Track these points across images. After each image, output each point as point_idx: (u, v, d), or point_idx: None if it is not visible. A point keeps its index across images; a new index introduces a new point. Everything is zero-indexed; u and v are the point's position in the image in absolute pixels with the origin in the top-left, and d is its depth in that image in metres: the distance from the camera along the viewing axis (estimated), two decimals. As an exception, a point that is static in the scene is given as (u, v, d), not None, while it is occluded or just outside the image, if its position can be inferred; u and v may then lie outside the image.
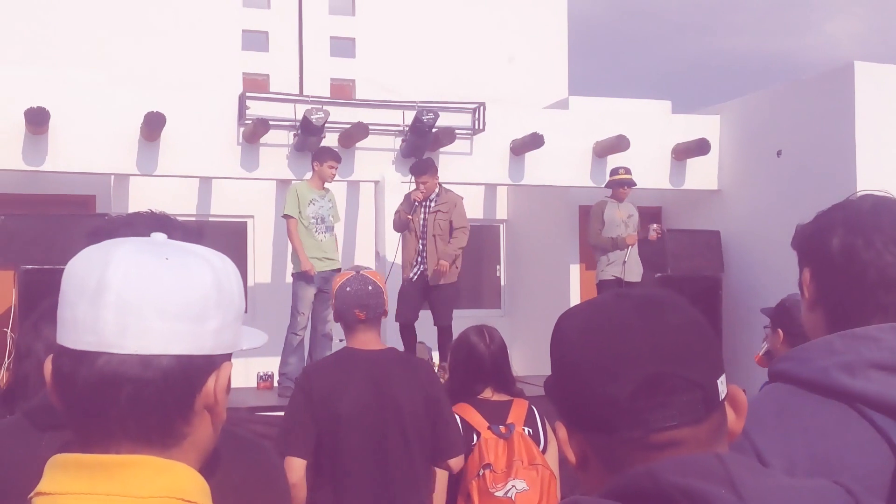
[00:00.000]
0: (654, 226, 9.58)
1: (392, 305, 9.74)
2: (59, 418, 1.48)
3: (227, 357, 1.11)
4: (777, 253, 11.42)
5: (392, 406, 3.54)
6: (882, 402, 1.52)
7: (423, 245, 8.69)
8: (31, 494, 1.03)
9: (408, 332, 8.84)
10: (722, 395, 1.14)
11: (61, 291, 1.07)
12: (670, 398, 1.10)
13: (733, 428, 1.17)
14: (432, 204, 8.69)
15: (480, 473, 3.62)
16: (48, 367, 1.08)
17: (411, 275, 8.73)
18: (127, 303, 1.02)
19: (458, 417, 3.74)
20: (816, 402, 1.55)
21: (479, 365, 3.87)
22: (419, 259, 8.71)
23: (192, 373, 1.06)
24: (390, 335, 8.67)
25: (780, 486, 1.11)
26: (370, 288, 3.64)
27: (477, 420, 3.75)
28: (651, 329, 1.13)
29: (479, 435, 3.71)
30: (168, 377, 1.03)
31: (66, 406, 1.06)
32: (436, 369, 8.54)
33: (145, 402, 1.03)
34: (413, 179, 8.78)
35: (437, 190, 8.74)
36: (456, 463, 3.72)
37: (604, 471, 1.14)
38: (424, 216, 8.69)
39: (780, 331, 3.92)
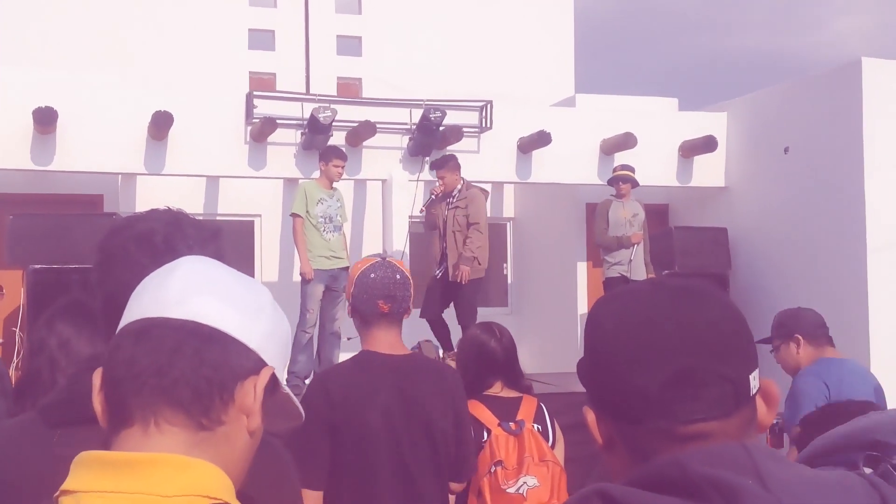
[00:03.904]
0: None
1: (418, 302, 9.79)
2: (72, 414, 1.49)
3: (269, 367, 1.12)
4: (784, 250, 11.46)
5: (423, 421, 3.14)
6: None
7: (444, 242, 8.65)
8: (57, 493, 1.03)
9: (438, 326, 8.79)
10: (753, 391, 1.15)
11: (128, 306, 1.13)
12: (700, 391, 1.10)
13: (763, 421, 1.17)
14: (454, 200, 8.62)
15: (492, 470, 3.58)
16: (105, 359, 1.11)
17: (437, 272, 8.71)
18: (190, 282, 1.11)
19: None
20: None
21: (491, 360, 3.83)
22: (442, 256, 8.67)
23: (236, 357, 1.08)
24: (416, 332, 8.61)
25: (805, 477, 1.12)
26: (398, 277, 3.14)
27: (487, 417, 3.70)
28: (685, 321, 1.13)
29: (489, 432, 3.67)
30: (214, 347, 1.07)
31: (114, 375, 1.07)
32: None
33: (190, 361, 1.06)
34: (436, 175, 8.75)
35: (459, 186, 8.66)
36: (458, 486, 3.41)
37: (629, 458, 1.15)
38: (446, 213, 8.64)
39: (798, 336, 3.87)
